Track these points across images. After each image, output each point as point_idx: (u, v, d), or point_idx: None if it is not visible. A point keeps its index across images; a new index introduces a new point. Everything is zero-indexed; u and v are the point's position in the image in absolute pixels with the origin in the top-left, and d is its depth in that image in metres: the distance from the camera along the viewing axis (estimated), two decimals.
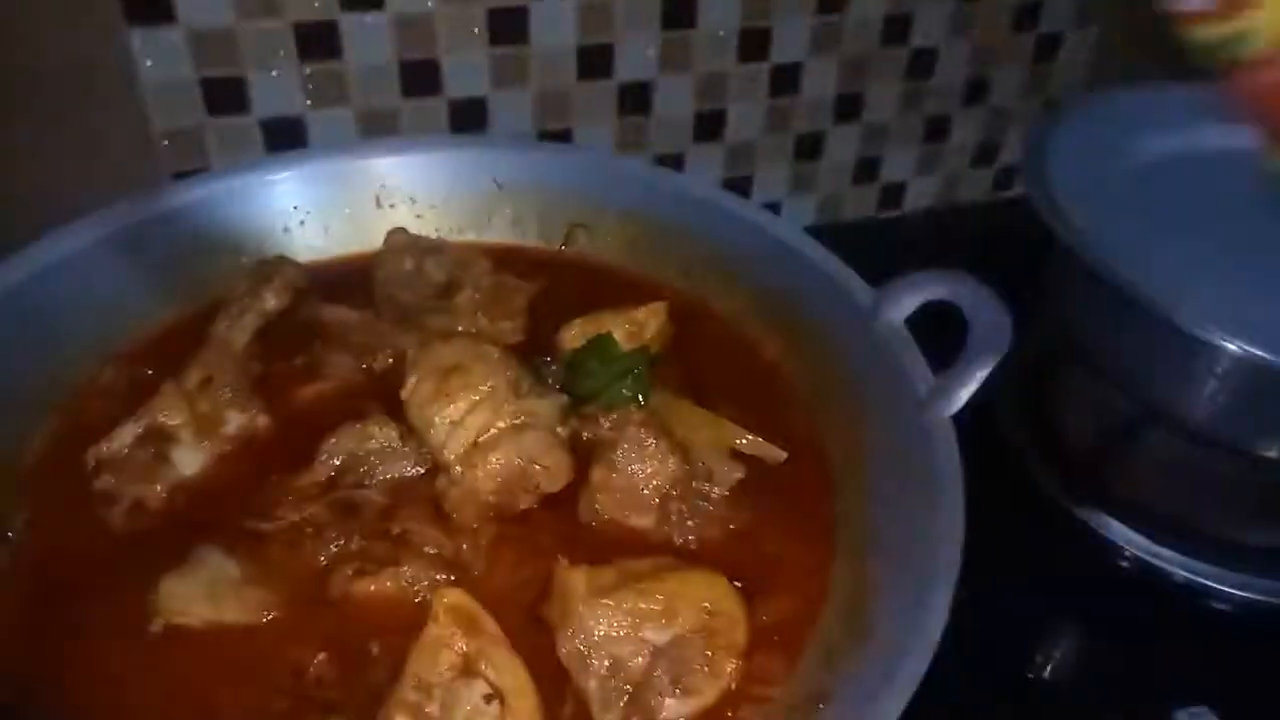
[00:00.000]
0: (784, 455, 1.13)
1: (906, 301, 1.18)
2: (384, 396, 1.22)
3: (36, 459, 1.16)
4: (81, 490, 1.11)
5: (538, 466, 1.05)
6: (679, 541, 1.07)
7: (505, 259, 1.46)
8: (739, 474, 1.09)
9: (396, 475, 1.11)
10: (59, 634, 0.98)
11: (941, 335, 1.13)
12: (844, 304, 1.24)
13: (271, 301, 1.34)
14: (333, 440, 1.13)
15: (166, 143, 1.68)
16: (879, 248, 1.38)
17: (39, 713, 0.91)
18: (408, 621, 0.99)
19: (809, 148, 2.10)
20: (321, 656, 0.96)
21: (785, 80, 1.96)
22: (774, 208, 2.12)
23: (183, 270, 1.39)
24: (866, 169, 2.18)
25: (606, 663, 0.93)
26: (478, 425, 1.05)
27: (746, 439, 1.13)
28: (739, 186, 2.08)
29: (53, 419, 1.21)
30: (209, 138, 1.68)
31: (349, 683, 0.95)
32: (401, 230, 1.44)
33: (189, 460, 1.15)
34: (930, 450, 1.04)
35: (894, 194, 2.25)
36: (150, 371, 1.27)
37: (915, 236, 2.22)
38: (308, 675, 0.95)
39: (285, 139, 1.70)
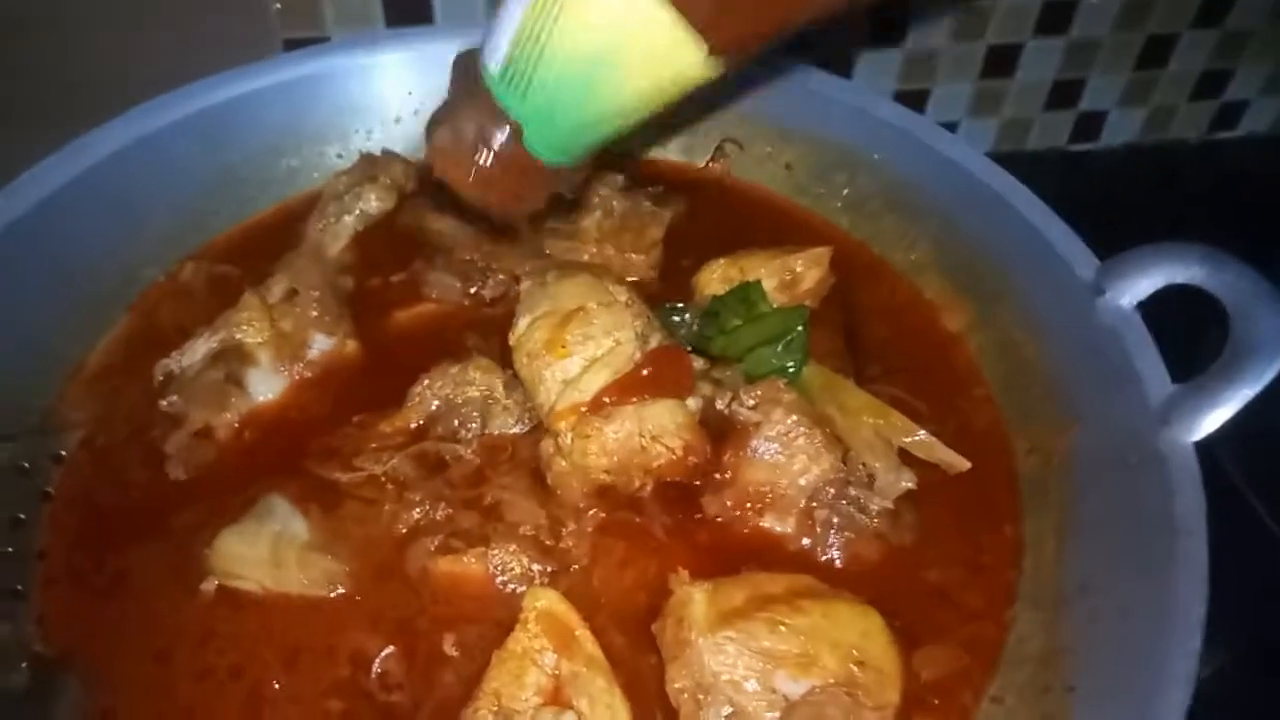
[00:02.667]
0: (967, 465, 0.91)
1: (1143, 282, 0.92)
2: (489, 331, 1.06)
3: (101, 365, 1.04)
4: (145, 409, 0.98)
5: (661, 446, 0.87)
6: (822, 557, 0.88)
7: (642, 173, 1.24)
8: (908, 483, 0.88)
9: (495, 432, 0.95)
10: (105, 584, 0.86)
11: (1181, 324, 0.88)
12: (1060, 275, 0.99)
13: (374, 203, 1.18)
14: (426, 382, 0.96)
15: (279, 5, 1.50)
16: (1066, 184, 1.09)
17: (78, 678, 0.79)
18: (492, 615, 0.84)
19: (1000, 62, 1.78)
20: (389, 649, 0.82)
21: None
22: (950, 128, 1.83)
23: (278, 157, 1.23)
24: (1063, 93, 1.86)
25: (726, 711, 0.75)
26: (596, 388, 0.86)
27: (920, 437, 0.91)
28: (912, 101, 1.80)
29: (124, 320, 1.08)
30: (325, 3, 1.49)
31: (416, 686, 0.80)
32: None
33: (264, 386, 1.00)
34: (1165, 481, 0.81)
35: (1091, 124, 1.93)
36: (233, 272, 1.13)
37: (1111, 176, 1.90)
38: (371, 670, 0.81)
39: (408, 13, 1.50)
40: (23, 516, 0.89)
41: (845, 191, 1.23)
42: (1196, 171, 1.89)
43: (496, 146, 0.79)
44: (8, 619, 0.82)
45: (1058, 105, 1.88)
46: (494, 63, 0.78)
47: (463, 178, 0.82)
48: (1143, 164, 1.91)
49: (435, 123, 0.83)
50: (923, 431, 0.91)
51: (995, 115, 1.87)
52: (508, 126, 0.78)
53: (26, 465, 0.92)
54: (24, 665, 0.79)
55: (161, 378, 1.00)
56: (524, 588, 0.85)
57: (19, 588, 0.85)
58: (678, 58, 0.72)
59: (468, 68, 0.81)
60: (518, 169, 0.80)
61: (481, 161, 0.80)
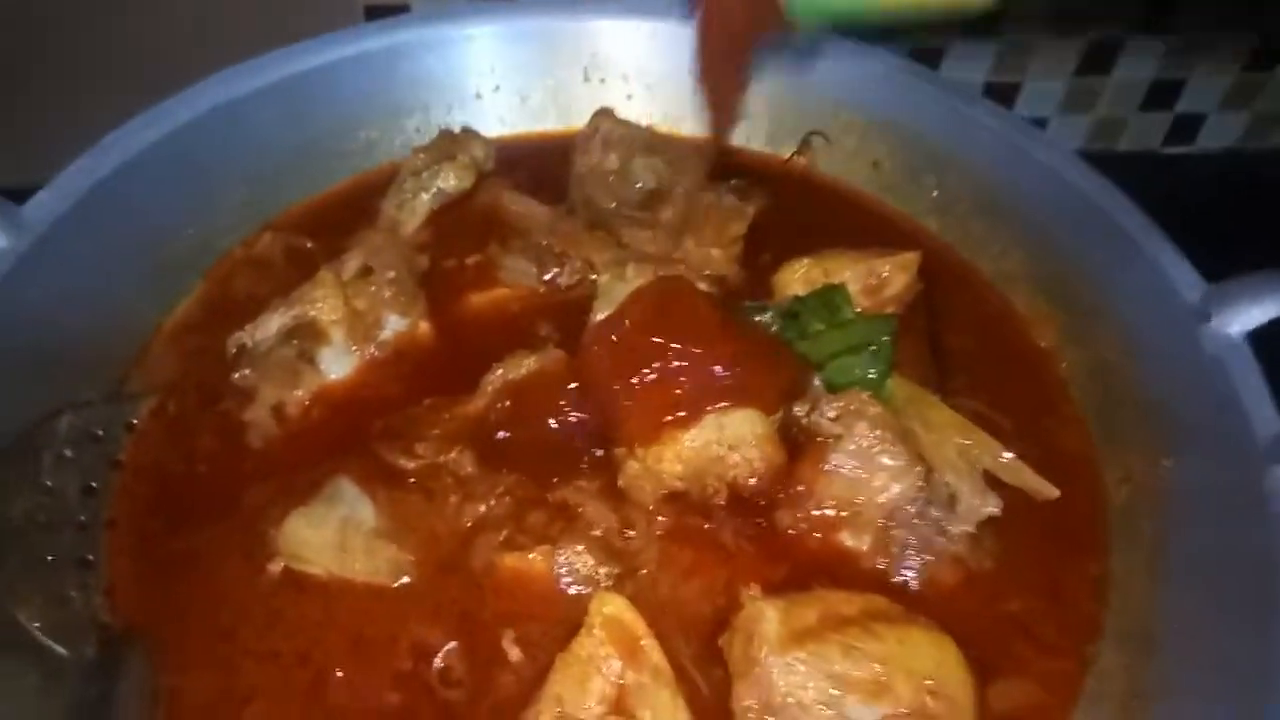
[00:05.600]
0: (1056, 493, 0.87)
1: (1254, 310, 0.87)
2: (564, 319, 1.03)
3: (175, 333, 1.04)
4: (216, 380, 0.98)
5: (738, 456, 0.84)
6: (897, 578, 0.85)
7: (723, 163, 1.21)
8: (993, 509, 0.84)
9: (569, 427, 0.92)
10: (172, 557, 0.86)
11: None
12: (1162, 296, 0.94)
13: (452, 181, 1.16)
14: (499, 371, 0.94)
15: None
16: (1158, 189, 1.04)
17: (143, 653, 0.79)
18: (554, 615, 0.83)
19: (1099, 58, 1.71)
20: (452, 645, 0.81)
21: None
22: (1039, 124, 1.76)
23: (356, 129, 1.22)
24: (1162, 93, 1.78)
25: None
26: None
27: (1007, 459, 0.87)
28: (1002, 93, 1.73)
29: (199, 288, 1.08)
30: None
31: (475, 684, 0.79)
32: (608, 111, 1.21)
33: (336, 364, 1.00)
34: (1271, 524, 0.76)
35: (1188, 127, 1.84)
36: (309, 244, 1.12)
37: (1206, 182, 1.81)
38: (432, 664, 0.80)
39: None
40: (95, 485, 0.89)
41: (934, 193, 1.18)
42: None
43: None
44: (78, 588, 0.82)
45: (1155, 106, 1.80)
46: None
47: None
48: (1241, 170, 1.83)
49: None
50: (1010, 454, 0.88)
51: (1088, 113, 1.80)
52: None
53: (100, 433, 0.92)
54: (93, 637, 0.79)
55: (235, 350, 1.00)
56: (588, 589, 0.83)
57: (90, 557, 0.85)
58: None
59: None
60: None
61: None
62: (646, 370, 0.83)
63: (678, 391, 0.82)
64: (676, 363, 0.83)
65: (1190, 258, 0.96)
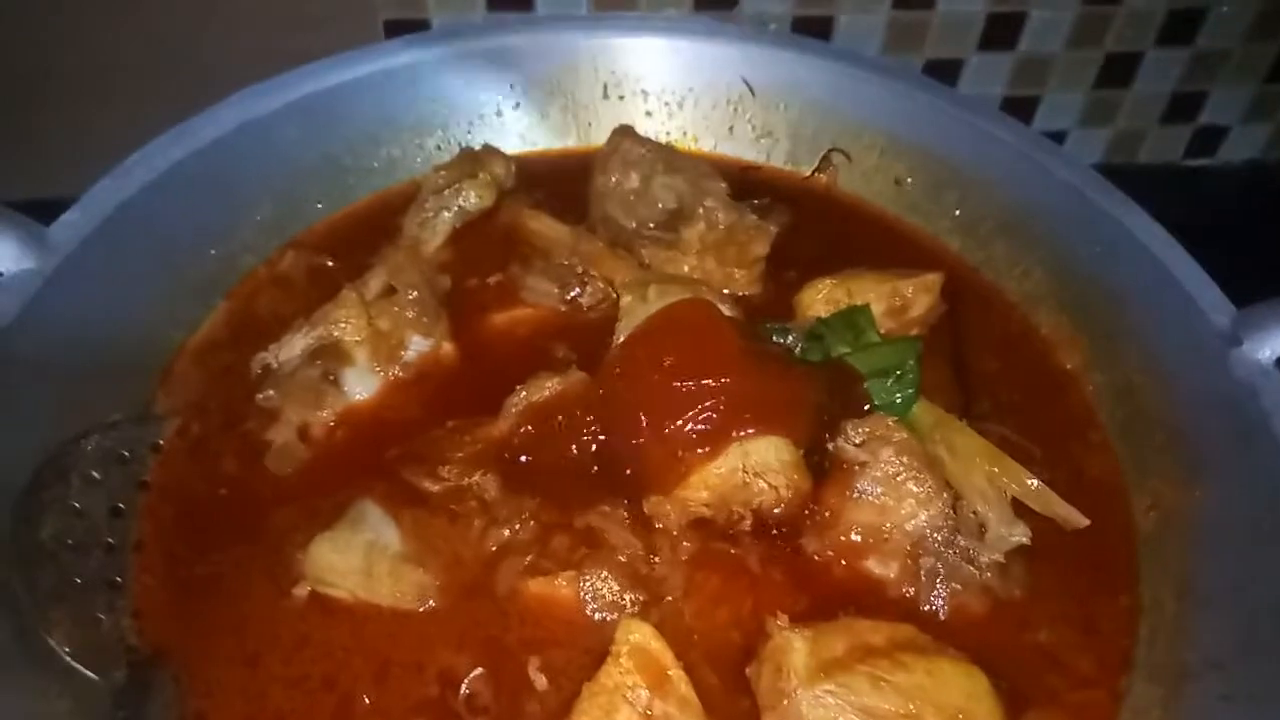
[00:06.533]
0: (1085, 521, 0.86)
1: None
2: (586, 339, 1.03)
3: (199, 353, 1.04)
4: (240, 401, 0.98)
5: (764, 483, 0.84)
6: (925, 606, 0.84)
7: (744, 181, 1.21)
8: (1022, 538, 0.84)
9: (592, 451, 0.92)
10: (198, 580, 0.86)
11: None
12: (1190, 319, 0.93)
13: (473, 200, 1.16)
14: (522, 393, 0.94)
15: None
16: (1179, 202, 1.02)
17: (171, 676, 0.79)
18: (580, 642, 0.83)
19: (1118, 70, 1.70)
20: (478, 671, 0.81)
21: None
22: (1057, 138, 1.76)
23: (378, 146, 1.22)
24: (1183, 105, 1.77)
25: None
26: None
27: (1035, 487, 0.87)
28: (1020, 108, 1.73)
29: (223, 307, 1.08)
30: None
31: (502, 712, 0.79)
32: (628, 129, 1.20)
33: (360, 385, 1.00)
34: None
35: (1209, 139, 1.84)
36: (330, 263, 1.12)
37: (1228, 195, 1.81)
38: (459, 690, 0.80)
39: (509, 0, 1.48)
40: (122, 506, 0.89)
41: (956, 212, 1.18)
42: None
43: None
44: (107, 610, 0.82)
45: (1175, 119, 1.79)
46: None
47: None
48: (1265, 182, 1.82)
49: None
50: (1037, 481, 0.87)
51: (1107, 126, 1.79)
52: None
53: (127, 454, 0.92)
54: (122, 660, 0.79)
55: (259, 371, 1.00)
56: (614, 616, 0.83)
57: (118, 579, 0.85)
58: None
59: None
60: None
61: None
62: (668, 407, 0.82)
63: (701, 425, 0.82)
64: (699, 393, 0.83)
65: (1213, 270, 0.95)
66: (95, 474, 0.89)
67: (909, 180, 1.22)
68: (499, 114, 1.26)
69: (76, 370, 0.94)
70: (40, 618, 0.78)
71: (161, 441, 0.95)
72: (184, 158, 1.07)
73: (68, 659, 0.78)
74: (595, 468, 0.91)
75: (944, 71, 1.64)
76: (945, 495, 0.84)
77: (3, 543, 0.80)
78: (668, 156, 1.17)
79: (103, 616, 0.82)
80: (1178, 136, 1.83)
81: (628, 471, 0.88)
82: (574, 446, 0.92)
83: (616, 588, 0.84)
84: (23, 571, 0.80)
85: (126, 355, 0.99)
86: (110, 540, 0.87)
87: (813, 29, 1.53)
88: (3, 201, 0.93)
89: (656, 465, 0.85)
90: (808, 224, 1.17)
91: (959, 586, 0.84)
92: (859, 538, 0.85)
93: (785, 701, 0.74)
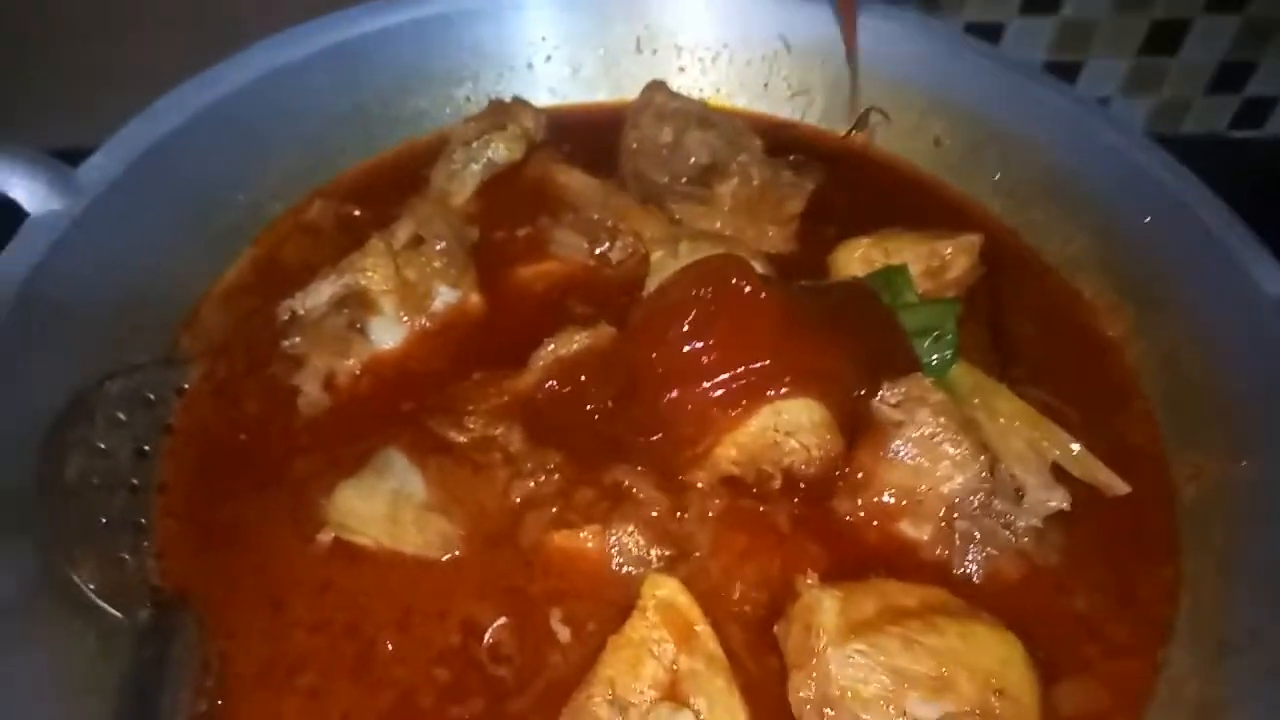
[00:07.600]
0: (1126, 488, 0.84)
1: None
2: (615, 294, 1.01)
3: (225, 298, 1.03)
4: (265, 346, 0.97)
5: (795, 443, 0.82)
6: (959, 570, 0.83)
7: (778, 139, 1.18)
8: (1061, 502, 0.82)
9: (615, 407, 0.91)
10: (222, 523, 0.85)
11: None
12: (1240, 288, 0.90)
13: (502, 152, 1.14)
14: (550, 347, 0.93)
15: None
16: (1224, 173, 0.99)
17: (194, 618, 0.79)
18: (604, 595, 0.82)
19: (1165, 38, 1.66)
20: (501, 621, 0.80)
21: None
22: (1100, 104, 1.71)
23: (407, 96, 1.20)
24: (1231, 75, 1.73)
25: None
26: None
27: (1076, 451, 0.84)
28: (1061, 73, 1.67)
29: (249, 253, 1.07)
30: None
31: (525, 662, 0.78)
32: (661, 84, 1.18)
33: (386, 334, 0.98)
34: None
35: (1257, 110, 1.79)
36: (358, 212, 1.11)
37: (1277, 169, 1.76)
38: (482, 639, 0.79)
39: None
40: (147, 449, 0.89)
41: (997, 175, 1.15)
42: None
43: None
44: (131, 551, 0.82)
45: (1222, 88, 1.74)
46: None
47: None
48: None
49: None
50: (1080, 445, 0.85)
51: (1152, 94, 1.75)
52: None
53: (152, 396, 0.92)
54: (146, 600, 0.79)
55: (285, 317, 0.99)
56: (639, 570, 0.82)
57: (142, 520, 0.85)
58: None
59: None
60: None
61: None
62: (699, 366, 0.80)
63: (735, 386, 0.80)
64: (733, 353, 0.81)
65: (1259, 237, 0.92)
66: (121, 415, 0.88)
67: (948, 141, 1.19)
68: (529, 66, 1.24)
69: (103, 312, 0.93)
70: (66, 555, 0.78)
71: (186, 385, 0.95)
72: (213, 102, 1.06)
73: (93, 597, 0.77)
74: (623, 421, 0.89)
75: (984, 35, 1.59)
76: (982, 458, 0.82)
77: (30, 481, 0.79)
78: (701, 112, 1.14)
79: (127, 557, 0.82)
80: (1224, 107, 1.79)
81: (654, 434, 0.87)
82: (601, 400, 0.90)
83: (643, 542, 0.83)
84: (49, 509, 0.80)
85: (152, 298, 0.98)
86: (135, 481, 0.87)
87: None
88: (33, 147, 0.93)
89: (686, 425, 0.84)
90: (843, 183, 1.14)
91: (994, 551, 0.82)
92: (892, 499, 0.84)
93: (814, 660, 0.72)
